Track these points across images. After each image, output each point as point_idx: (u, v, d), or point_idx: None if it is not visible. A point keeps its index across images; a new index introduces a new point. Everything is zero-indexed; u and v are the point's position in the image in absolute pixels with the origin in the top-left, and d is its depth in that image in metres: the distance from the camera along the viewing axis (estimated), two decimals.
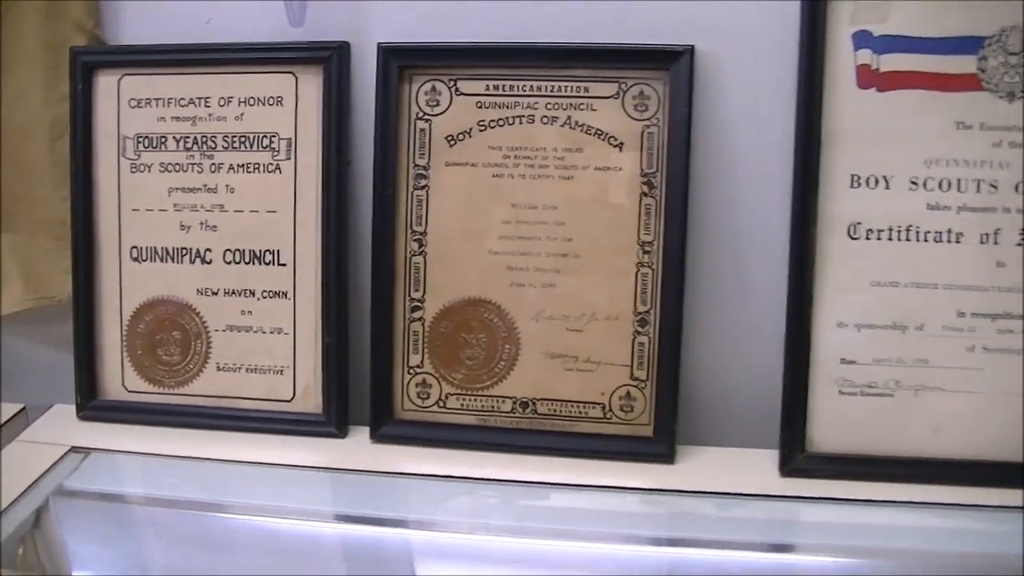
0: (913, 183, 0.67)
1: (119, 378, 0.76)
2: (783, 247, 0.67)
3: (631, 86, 0.68)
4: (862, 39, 0.67)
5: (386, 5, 0.71)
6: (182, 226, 0.74)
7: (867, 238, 0.67)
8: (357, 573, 0.65)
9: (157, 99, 0.73)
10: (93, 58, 0.74)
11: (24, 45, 0.75)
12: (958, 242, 0.67)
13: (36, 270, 0.78)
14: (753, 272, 0.71)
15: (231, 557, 0.66)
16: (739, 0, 0.68)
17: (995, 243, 0.66)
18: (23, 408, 0.79)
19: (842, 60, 0.66)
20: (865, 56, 0.67)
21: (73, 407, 0.77)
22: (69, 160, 0.74)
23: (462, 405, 0.72)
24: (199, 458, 0.72)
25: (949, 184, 0.66)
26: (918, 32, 0.66)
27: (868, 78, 0.67)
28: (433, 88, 0.70)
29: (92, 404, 0.76)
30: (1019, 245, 0.66)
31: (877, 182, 0.67)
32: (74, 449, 0.73)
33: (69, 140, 0.74)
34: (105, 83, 0.74)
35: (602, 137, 0.68)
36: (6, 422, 0.77)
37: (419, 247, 0.71)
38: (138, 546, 0.68)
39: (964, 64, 0.66)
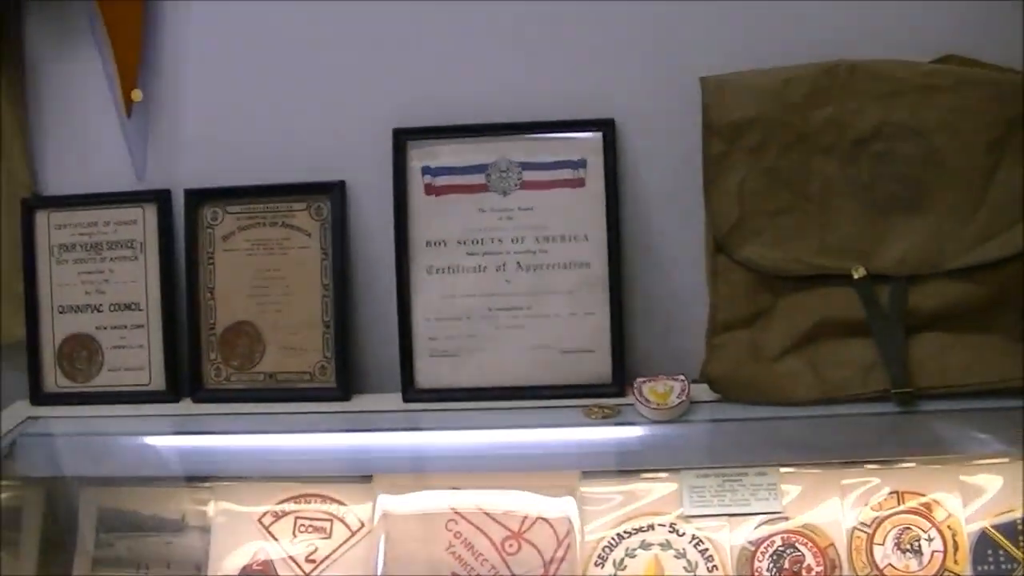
0: (458, 243, 1.53)
1: (53, 380, 1.62)
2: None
3: (312, 203, 1.57)
4: (425, 170, 1.54)
5: (187, 168, 1.60)
6: (85, 292, 1.61)
7: (437, 273, 1.54)
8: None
9: (70, 224, 1.60)
10: (33, 203, 1.60)
11: None
12: (484, 272, 1.54)
13: (5, 324, 1.62)
14: (383, 296, 1.57)
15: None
16: (367, 158, 1.55)
17: (504, 270, 1.53)
18: None
19: (416, 182, 1.54)
20: (428, 178, 1.54)
21: (28, 400, 1.63)
22: (22, 260, 1.63)
23: (238, 378, 1.57)
24: (100, 416, 1.59)
25: (476, 242, 1.53)
26: (453, 164, 1.54)
27: (430, 190, 1.54)
28: (214, 212, 1.59)
29: (37, 396, 1.60)
30: (516, 271, 1.52)
31: (439, 244, 1.54)
32: (29, 418, 1.58)
33: (22, 249, 1.62)
34: (40, 217, 1.62)
35: (299, 231, 1.57)
36: None
37: (211, 295, 1.58)
38: (56, 455, 1.54)
39: (478, 178, 1.54)
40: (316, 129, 1.57)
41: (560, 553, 1.50)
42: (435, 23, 1.53)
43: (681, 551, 1.50)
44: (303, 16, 1.55)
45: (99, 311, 1.61)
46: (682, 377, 1.46)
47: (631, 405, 1.46)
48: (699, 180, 1.45)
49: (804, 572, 1.48)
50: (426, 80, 1.54)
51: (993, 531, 1.47)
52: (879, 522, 1.48)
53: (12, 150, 1.62)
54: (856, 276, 1.42)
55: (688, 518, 1.50)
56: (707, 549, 1.49)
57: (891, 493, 1.49)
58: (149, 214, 1.59)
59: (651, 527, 1.51)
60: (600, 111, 1.50)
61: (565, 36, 1.51)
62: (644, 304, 1.54)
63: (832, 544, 1.48)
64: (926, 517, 1.48)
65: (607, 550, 1.51)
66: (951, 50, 1.45)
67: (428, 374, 1.53)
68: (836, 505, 1.50)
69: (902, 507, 1.49)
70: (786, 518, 1.49)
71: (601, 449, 1.47)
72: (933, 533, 1.47)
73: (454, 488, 1.52)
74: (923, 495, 1.49)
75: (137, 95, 1.56)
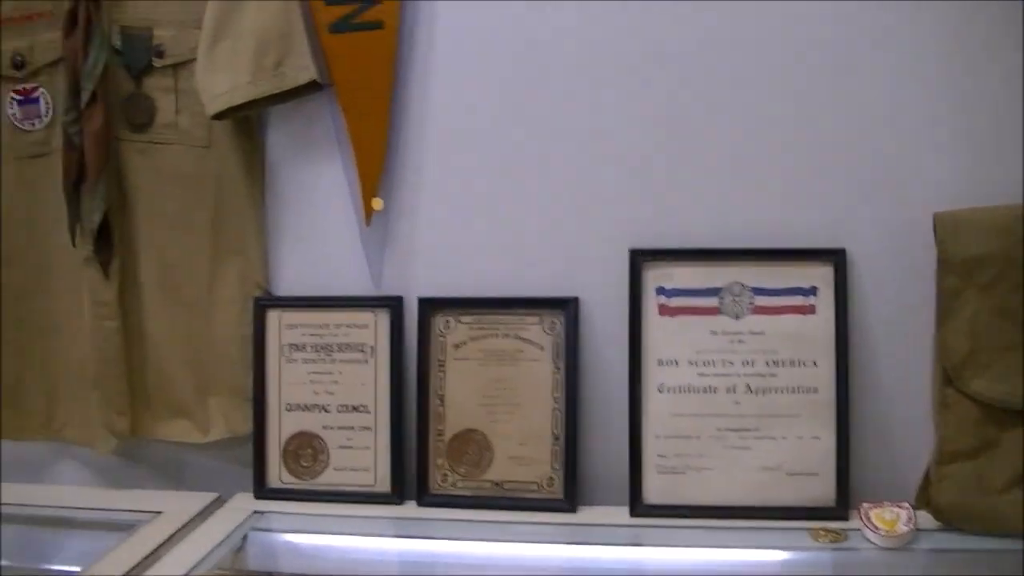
0: (690, 363, 1.62)
1: (277, 475, 1.71)
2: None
3: (546, 318, 1.65)
4: (659, 291, 1.63)
5: (420, 276, 1.69)
6: (314, 392, 1.71)
7: (668, 392, 1.62)
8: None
9: (302, 324, 1.70)
10: (265, 303, 1.70)
11: (230, 295, 1.73)
12: (714, 392, 1.62)
13: (232, 416, 1.71)
14: (613, 411, 1.66)
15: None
16: (601, 275, 1.65)
17: (734, 392, 1.62)
18: (218, 496, 1.74)
19: (651, 302, 1.63)
20: (662, 299, 1.63)
21: (251, 493, 1.72)
22: (252, 356, 1.73)
23: (464, 485, 1.65)
24: (324, 515, 1.67)
25: (707, 363, 1.61)
26: (687, 286, 1.62)
27: (664, 311, 1.63)
28: (447, 320, 1.68)
29: (261, 490, 1.69)
30: (746, 393, 1.61)
31: (671, 363, 1.63)
32: (255, 512, 1.68)
33: (252, 346, 1.73)
34: (272, 316, 1.71)
35: (532, 344, 1.65)
36: (209, 504, 1.73)
37: (440, 402, 1.67)
38: (279, 551, 1.62)
39: (711, 301, 1.62)
40: (552, 244, 1.65)
41: None
42: (674, 146, 1.62)
43: None
44: (544, 131, 1.64)
45: (326, 411, 1.69)
46: (907, 504, 1.53)
47: (856, 530, 1.53)
48: (926, 311, 1.53)
49: None
50: (663, 201, 1.62)
51: None
52: None
53: (248, 249, 1.71)
54: None
55: None
56: None
57: None
58: (381, 319, 1.67)
59: None
60: (832, 240, 1.59)
61: (800, 166, 1.59)
62: (867, 430, 1.61)
63: None
64: None
65: None
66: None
67: (656, 490, 1.60)
68: None
69: None
70: None
71: (821, 571, 1.54)
72: None
73: None
74: None
75: (378, 204, 1.65)
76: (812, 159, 1.60)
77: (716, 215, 1.61)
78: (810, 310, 1.59)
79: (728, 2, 1.59)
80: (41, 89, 1.75)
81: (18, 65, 1.74)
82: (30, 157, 1.77)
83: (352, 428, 1.68)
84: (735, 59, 1.59)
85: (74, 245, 1.73)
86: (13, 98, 1.75)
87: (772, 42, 1.59)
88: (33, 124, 1.76)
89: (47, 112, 1.75)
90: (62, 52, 1.70)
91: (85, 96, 1.67)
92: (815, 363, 1.58)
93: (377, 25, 1.64)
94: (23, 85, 1.75)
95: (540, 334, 1.63)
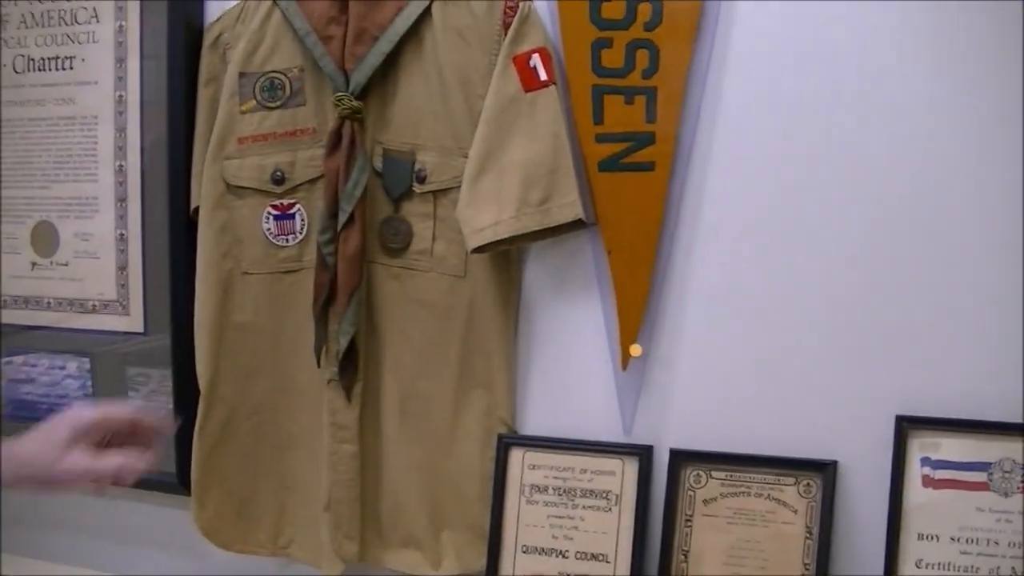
0: (952, 539, 1.61)
1: None
2: None
3: (802, 480, 1.66)
4: (924, 461, 1.63)
5: (673, 426, 1.72)
6: (552, 536, 1.73)
7: (927, 568, 1.61)
8: None
9: (546, 465, 1.74)
10: (509, 441, 1.74)
11: (472, 429, 1.77)
12: (976, 573, 1.60)
13: (464, 553, 1.75)
14: None
15: None
16: (861, 440, 1.66)
17: (997, 574, 1.60)
18: None
19: (914, 472, 1.63)
20: (927, 470, 1.63)
21: None
22: (492, 494, 1.76)
23: None
24: None
25: (971, 540, 1.60)
26: (955, 458, 1.61)
27: (928, 482, 1.63)
28: (698, 474, 1.70)
29: None
30: None
31: (932, 538, 1.62)
32: None
33: (492, 485, 1.76)
34: (516, 455, 1.76)
35: (786, 506, 1.66)
36: None
37: (684, 558, 1.68)
38: None
39: (979, 476, 1.61)
40: (812, 403, 1.66)
41: None
42: (947, 309, 1.61)
43: None
44: (809, 289, 1.65)
45: (564, 557, 1.71)
46: None
47: None
48: None
49: None
50: (933, 366, 1.61)
51: None
52: None
53: (495, 384, 1.76)
54: None
55: None
56: None
57: None
58: (629, 467, 1.70)
59: None
60: None
61: None
62: None
63: None
64: None
65: None
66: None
67: None
68: None
69: None
70: None
71: None
72: None
73: None
74: None
75: (636, 350, 1.68)
76: None
77: (989, 384, 1.60)
78: None
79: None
80: (298, 206, 1.82)
81: (278, 180, 1.82)
82: (281, 272, 1.83)
83: None
84: (1006, 223, 1.58)
85: (319, 365, 1.79)
86: (270, 213, 1.83)
87: None
88: (287, 240, 1.83)
89: (302, 229, 1.82)
90: (323, 171, 1.77)
91: (343, 217, 1.74)
92: None
93: (648, 166, 1.68)
94: (281, 200, 1.83)
95: (795, 496, 1.64)
